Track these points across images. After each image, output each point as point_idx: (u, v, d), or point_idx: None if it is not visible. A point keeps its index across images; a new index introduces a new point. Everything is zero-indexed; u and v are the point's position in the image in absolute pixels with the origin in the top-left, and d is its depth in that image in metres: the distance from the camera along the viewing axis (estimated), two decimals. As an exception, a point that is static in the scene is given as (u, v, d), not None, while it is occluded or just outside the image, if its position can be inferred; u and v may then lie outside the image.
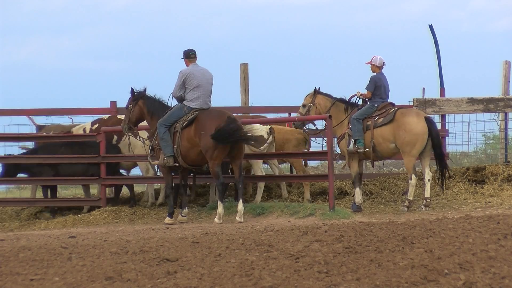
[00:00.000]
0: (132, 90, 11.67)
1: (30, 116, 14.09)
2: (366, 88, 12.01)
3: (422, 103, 13.52)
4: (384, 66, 12.07)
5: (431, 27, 13.97)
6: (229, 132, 10.80)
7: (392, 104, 12.01)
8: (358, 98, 12.18)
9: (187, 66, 11.45)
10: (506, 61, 14.29)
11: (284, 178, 12.82)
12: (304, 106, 12.27)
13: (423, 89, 15.23)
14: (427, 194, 11.72)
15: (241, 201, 11.09)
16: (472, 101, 13.62)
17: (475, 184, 12.83)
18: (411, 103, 13.61)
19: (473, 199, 12.15)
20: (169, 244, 7.95)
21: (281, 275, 6.29)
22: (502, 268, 6.24)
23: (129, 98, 11.70)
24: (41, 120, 14.10)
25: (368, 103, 12.02)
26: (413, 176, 11.66)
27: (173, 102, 11.50)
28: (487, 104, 13.60)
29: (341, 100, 12.28)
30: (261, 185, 12.57)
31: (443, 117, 13.72)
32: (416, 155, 11.64)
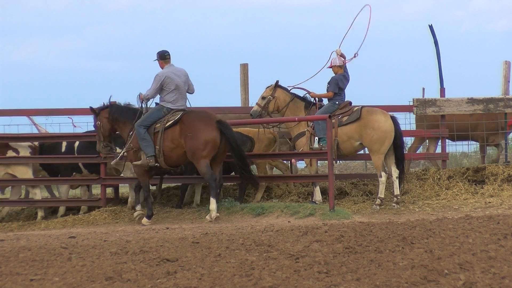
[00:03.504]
0: (91, 108, 11.76)
1: (30, 116, 14.07)
2: (329, 90, 12.16)
3: (422, 103, 13.51)
4: (345, 63, 12.17)
5: (431, 27, 13.97)
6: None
7: (349, 102, 12.22)
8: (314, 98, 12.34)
9: (161, 67, 11.49)
10: (506, 61, 14.28)
11: (284, 178, 12.82)
12: (263, 98, 12.41)
13: (423, 89, 15.22)
14: (396, 191, 11.98)
15: (214, 200, 11.12)
16: (472, 101, 13.61)
17: (475, 184, 12.82)
18: (411, 103, 13.61)
19: (473, 199, 12.15)
20: (169, 244, 7.95)
21: (281, 275, 6.29)
22: (502, 268, 6.24)
23: (94, 117, 11.81)
24: (41, 120, 14.09)
25: (328, 101, 12.20)
26: (383, 174, 11.86)
27: (144, 104, 11.50)
28: (487, 104, 13.59)
29: (300, 97, 12.41)
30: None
31: (443, 117, 13.72)
32: (384, 152, 11.85)
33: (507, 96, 13.77)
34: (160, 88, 11.33)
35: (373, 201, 12.30)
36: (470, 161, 16.68)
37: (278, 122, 12.50)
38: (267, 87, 12.51)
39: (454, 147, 14.83)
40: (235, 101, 14.74)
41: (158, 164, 11.24)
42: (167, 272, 6.54)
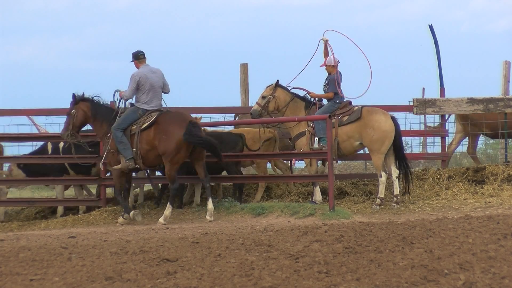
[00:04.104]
0: (73, 94, 11.73)
1: (30, 116, 14.07)
2: (330, 90, 12.15)
3: (422, 103, 13.51)
4: (338, 64, 12.20)
5: (431, 27, 13.96)
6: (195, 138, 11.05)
7: (349, 102, 12.22)
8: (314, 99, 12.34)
9: (137, 68, 11.51)
10: (506, 61, 14.28)
11: (284, 178, 12.82)
12: (264, 97, 12.41)
13: (423, 89, 15.22)
14: (396, 191, 11.98)
15: (210, 200, 11.26)
16: (472, 101, 13.61)
17: (475, 184, 12.82)
18: (411, 103, 13.60)
19: (473, 199, 12.15)
20: (169, 244, 7.95)
21: (281, 275, 6.28)
22: (502, 268, 6.24)
23: (71, 103, 11.75)
24: (41, 120, 14.08)
25: (328, 101, 12.21)
26: (383, 174, 11.87)
27: (123, 105, 11.55)
28: (487, 104, 13.59)
29: (300, 97, 12.41)
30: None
31: (443, 117, 13.72)
32: (385, 152, 11.86)
33: (507, 96, 13.76)
34: (137, 88, 11.36)
35: (373, 201, 12.30)
36: (470, 161, 16.65)
37: (278, 122, 12.50)
38: (268, 87, 12.51)
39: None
40: (235, 101, 14.75)
41: (138, 166, 11.32)
42: (167, 272, 6.53)
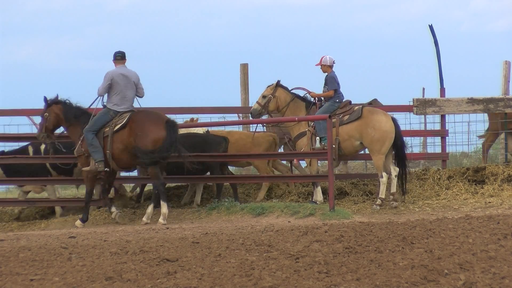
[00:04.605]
0: (45, 98, 11.76)
1: (30, 116, 14.07)
2: (330, 88, 12.15)
3: (422, 103, 13.51)
4: (334, 64, 12.22)
5: (431, 27, 13.97)
6: (170, 145, 11.04)
7: (349, 102, 12.23)
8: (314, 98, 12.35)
9: (115, 67, 11.57)
10: (506, 61, 14.29)
11: (285, 178, 12.82)
12: (264, 97, 12.43)
13: (423, 89, 15.27)
14: (393, 189, 11.97)
15: (165, 204, 11.27)
16: (472, 101, 13.61)
17: (475, 184, 12.83)
18: (411, 103, 13.61)
19: (473, 199, 12.15)
20: (169, 244, 7.95)
21: (281, 275, 6.29)
22: (502, 268, 6.24)
23: (44, 106, 11.78)
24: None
25: (328, 101, 12.17)
26: (384, 174, 11.84)
27: (99, 104, 11.58)
28: (487, 104, 13.59)
29: (300, 97, 12.43)
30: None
31: (443, 117, 13.72)
32: (385, 153, 11.86)
33: (507, 96, 13.77)
34: (109, 87, 11.38)
35: (373, 201, 12.30)
36: (470, 161, 16.67)
37: (278, 122, 12.51)
38: (268, 86, 12.52)
39: (454, 147, 14.84)
40: (235, 101, 14.76)
41: (107, 169, 11.32)
42: (167, 272, 6.53)
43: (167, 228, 10.46)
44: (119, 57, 11.55)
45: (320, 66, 12.31)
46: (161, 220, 11.18)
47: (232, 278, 6.24)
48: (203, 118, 14.10)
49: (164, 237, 8.82)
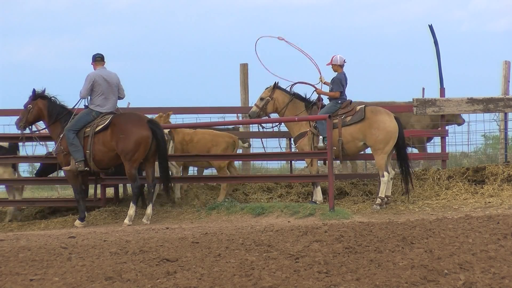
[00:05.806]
0: (34, 90, 11.76)
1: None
2: (335, 90, 12.15)
3: (422, 103, 13.51)
4: (345, 63, 12.22)
5: (431, 27, 13.97)
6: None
7: (350, 101, 12.22)
8: (316, 96, 12.33)
9: (94, 69, 11.59)
10: (506, 61, 14.29)
11: (285, 178, 12.82)
12: (262, 99, 12.44)
13: (423, 89, 15.23)
14: (388, 192, 11.98)
15: (151, 205, 11.39)
16: (472, 101, 13.61)
17: (475, 184, 12.82)
18: (411, 103, 13.60)
19: (473, 199, 12.15)
20: (169, 244, 7.95)
21: (281, 275, 6.28)
22: (502, 268, 6.24)
23: (30, 98, 11.79)
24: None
25: (330, 101, 12.14)
26: (385, 174, 11.85)
27: (80, 105, 11.61)
28: (487, 104, 13.59)
29: (299, 97, 12.38)
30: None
31: (443, 117, 13.71)
32: (388, 152, 11.86)
33: (507, 96, 13.76)
34: (91, 89, 11.40)
35: (373, 201, 12.29)
36: (470, 161, 16.66)
37: (278, 122, 12.50)
38: (266, 88, 12.52)
39: (454, 147, 14.83)
40: (235, 101, 14.77)
41: (88, 169, 11.36)
42: (167, 272, 6.53)
43: (167, 228, 10.46)
44: (99, 59, 11.60)
45: (331, 66, 12.29)
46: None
47: (232, 278, 6.24)
48: (203, 118, 14.11)
49: (164, 237, 8.82)
